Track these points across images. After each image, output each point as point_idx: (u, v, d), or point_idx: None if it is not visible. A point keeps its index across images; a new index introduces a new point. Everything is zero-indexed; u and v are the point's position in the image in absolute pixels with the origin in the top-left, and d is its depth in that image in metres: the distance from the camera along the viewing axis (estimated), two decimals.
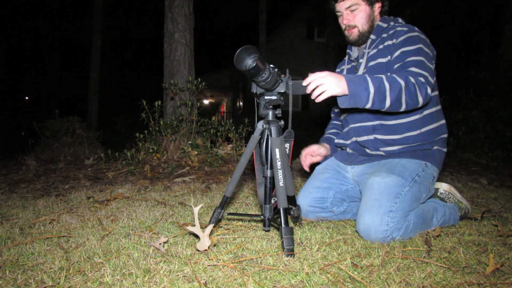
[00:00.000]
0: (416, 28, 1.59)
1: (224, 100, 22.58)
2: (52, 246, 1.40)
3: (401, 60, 1.51)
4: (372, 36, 1.67)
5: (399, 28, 1.60)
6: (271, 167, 1.41)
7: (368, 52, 1.67)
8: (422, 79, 1.42)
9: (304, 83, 1.35)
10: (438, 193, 1.76)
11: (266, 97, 1.38)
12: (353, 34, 1.67)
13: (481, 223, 1.70)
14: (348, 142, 1.80)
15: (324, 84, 1.32)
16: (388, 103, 1.39)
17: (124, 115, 11.91)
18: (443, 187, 1.77)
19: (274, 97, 1.37)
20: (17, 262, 1.24)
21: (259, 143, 1.45)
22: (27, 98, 26.01)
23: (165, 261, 1.21)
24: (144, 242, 1.42)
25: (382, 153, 1.66)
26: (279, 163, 1.34)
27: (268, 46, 14.08)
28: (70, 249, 1.35)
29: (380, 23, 1.67)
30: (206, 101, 21.64)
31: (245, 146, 1.53)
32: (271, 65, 1.31)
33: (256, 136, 1.43)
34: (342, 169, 1.82)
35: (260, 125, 1.42)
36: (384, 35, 1.63)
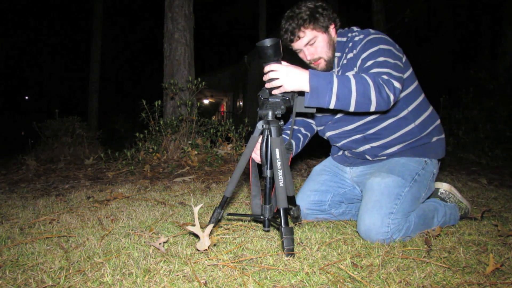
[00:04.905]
0: (371, 30, 1.57)
1: (224, 100, 22.57)
2: (52, 246, 1.40)
3: (363, 65, 1.47)
4: (337, 54, 1.62)
5: (356, 38, 1.56)
6: (271, 167, 1.41)
7: (338, 71, 1.62)
8: (385, 76, 1.37)
9: (264, 70, 1.34)
10: (439, 193, 1.76)
11: (270, 100, 1.39)
12: (321, 65, 1.61)
13: (481, 223, 1.70)
14: (344, 152, 1.80)
15: (279, 79, 1.32)
16: (353, 99, 1.32)
17: (124, 115, 11.91)
18: (444, 187, 1.77)
19: (278, 100, 1.38)
20: (17, 262, 1.24)
21: (261, 157, 1.45)
22: (27, 98, 26.01)
23: (165, 261, 1.21)
24: (144, 242, 1.42)
25: (383, 157, 1.65)
26: (279, 163, 1.34)
27: None
28: (70, 249, 1.35)
29: (339, 39, 1.62)
30: (206, 101, 21.64)
31: (245, 146, 1.53)
32: None
33: (255, 136, 1.43)
34: (340, 170, 1.81)
35: (259, 125, 1.42)
36: (346, 49, 1.59)
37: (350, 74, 1.44)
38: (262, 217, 1.42)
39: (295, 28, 1.53)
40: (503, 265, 1.17)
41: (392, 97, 1.35)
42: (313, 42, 1.56)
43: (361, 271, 1.14)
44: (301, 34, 1.54)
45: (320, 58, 1.59)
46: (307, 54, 1.59)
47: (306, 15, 1.52)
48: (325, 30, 1.57)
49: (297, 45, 1.58)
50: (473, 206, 2.09)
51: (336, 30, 1.63)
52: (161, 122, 3.90)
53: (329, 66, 1.63)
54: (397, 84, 1.37)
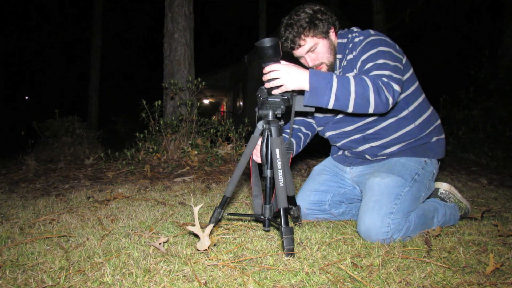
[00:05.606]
0: (371, 31, 1.56)
1: (224, 100, 22.56)
2: (52, 246, 1.40)
3: (363, 67, 1.47)
4: (338, 56, 1.62)
5: (356, 39, 1.56)
6: (271, 167, 1.41)
7: (340, 72, 1.63)
8: (385, 79, 1.37)
9: (264, 70, 1.34)
10: (439, 193, 1.76)
11: (270, 99, 1.39)
12: (323, 69, 1.60)
13: (481, 223, 1.70)
14: (344, 151, 1.80)
15: (280, 79, 1.32)
16: (352, 100, 1.32)
17: (124, 115, 11.91)
18: (444, 187, 1.77)
19: (277, 99, 1.38)
20: (17, 262, 1.24)
21: (261, 159, 1.45)
22: (27, 98, 26.02)
23: (165, 261, 1.21)
24: (144, 242, 1.42)
25: (382, 157, 1.65)
26: (279, 163, 1.34)
27: None
28: (70, 249, 1.35)
29: (339, 41, 1.62)
30: (206, 101, 21.63)
31: (245, 146, 1.54)
32: None
33: (256, 136, 1.43)
34: (340, 170, 1.81)
35: (260, 125, 1.42)
36: (346, 51, 1.59)
37: (350, 75, 1.43)
38: (262, 217, 1.42)
39: (295, 37, 1.52)
40: (503, 265, 1.17)
41: (391, 100, 1.35)
42: (314, 49, 1.56)
43: (361, 271, 1.14)
44: (301, 42, 1.54)
45: (322, 63, 1.59)
46: (309, 61, 1.59)
47: (305, 22, 1.51)
48: (326, 35, 1.56)
49: (298, 52, 1.58)
50: (473, 206, 2.09)
51: (336, 33, 1.62)
52: (161, 122, 3.91)
53: (331, 70, 1.63)
54: (396, 87, 1.37)
